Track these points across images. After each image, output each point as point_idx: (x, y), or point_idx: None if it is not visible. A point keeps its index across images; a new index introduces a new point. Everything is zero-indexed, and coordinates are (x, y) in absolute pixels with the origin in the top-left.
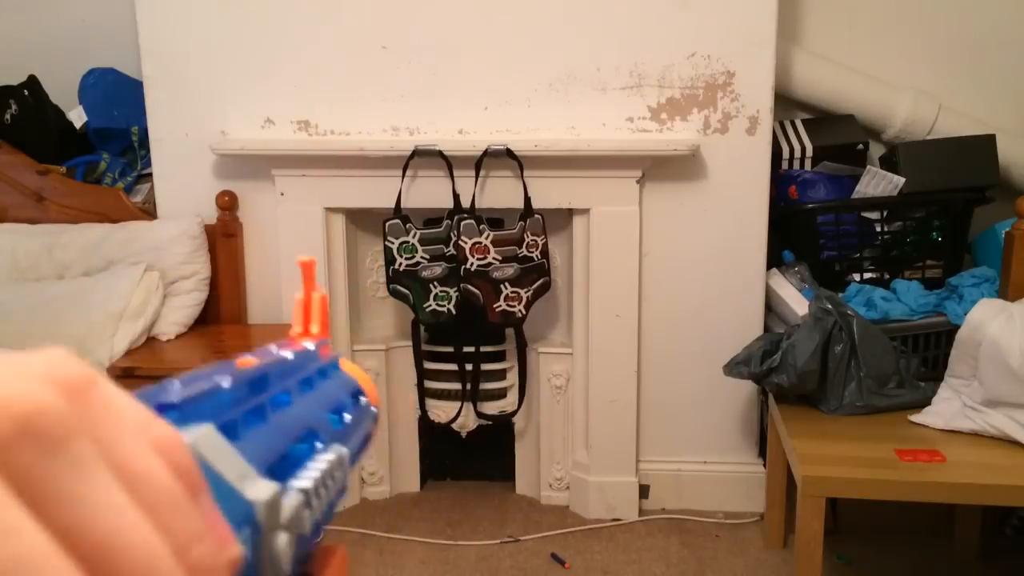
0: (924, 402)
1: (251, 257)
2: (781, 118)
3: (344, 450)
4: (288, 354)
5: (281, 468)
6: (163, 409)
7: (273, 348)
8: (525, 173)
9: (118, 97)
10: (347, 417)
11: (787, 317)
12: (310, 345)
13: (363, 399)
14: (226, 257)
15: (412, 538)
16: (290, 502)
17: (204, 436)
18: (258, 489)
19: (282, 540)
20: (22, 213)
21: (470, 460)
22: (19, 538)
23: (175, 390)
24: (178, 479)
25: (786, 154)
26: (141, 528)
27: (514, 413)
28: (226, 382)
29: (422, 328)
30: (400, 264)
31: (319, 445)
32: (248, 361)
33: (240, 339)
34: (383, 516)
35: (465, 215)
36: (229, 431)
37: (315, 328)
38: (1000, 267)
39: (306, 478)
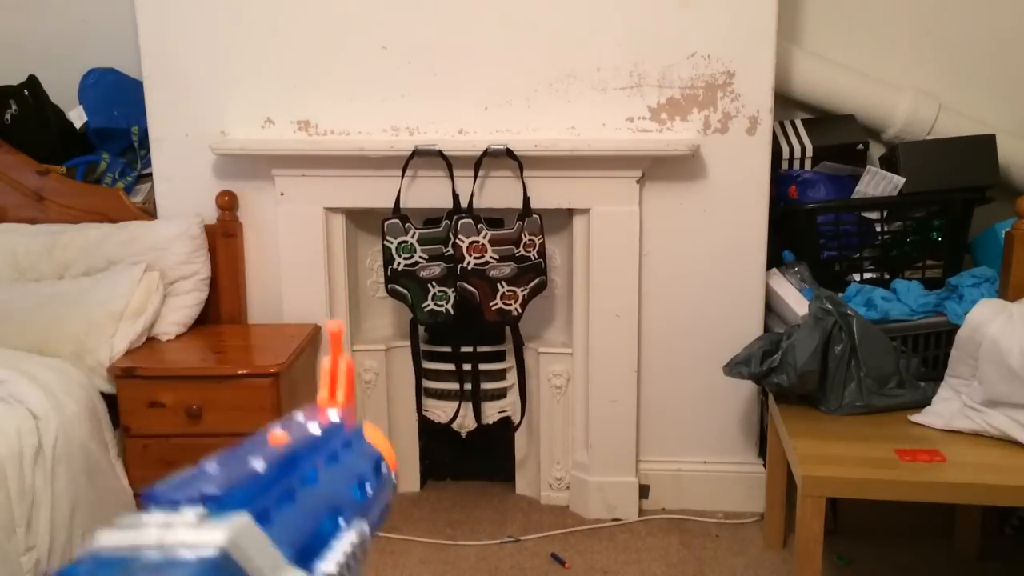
0: (924, 402)
1: (251, 257)
2: (781, 118)
3: (366, 528)
4: (315, 429)
5: (308, 547)
6: (206, 500)
7: (300, 419)
8: (525, 173)
9: (118, 97)
10: (369, 490)
11: (787, 317)
12: (335, 417)
13: (384, 468)
14: (226, 257)
15: (412, 538)
16: None
17: (242, 529)
18: None
19: None
20: (22, 213)
21: (470, 460)
22: None
23: (214, 478)
24: None
25: (786, 154)
26: None
27: (518, 426)
28: (259, 465)
29: (421, 328)
30: (399, 264)
31: (342, 523)
32: (279, 437)
33: (240, 339)
34: None
35: (463, 214)
36: (262, 517)
37: (340, 395)
38: (1000, 267)
39: (332, 560)
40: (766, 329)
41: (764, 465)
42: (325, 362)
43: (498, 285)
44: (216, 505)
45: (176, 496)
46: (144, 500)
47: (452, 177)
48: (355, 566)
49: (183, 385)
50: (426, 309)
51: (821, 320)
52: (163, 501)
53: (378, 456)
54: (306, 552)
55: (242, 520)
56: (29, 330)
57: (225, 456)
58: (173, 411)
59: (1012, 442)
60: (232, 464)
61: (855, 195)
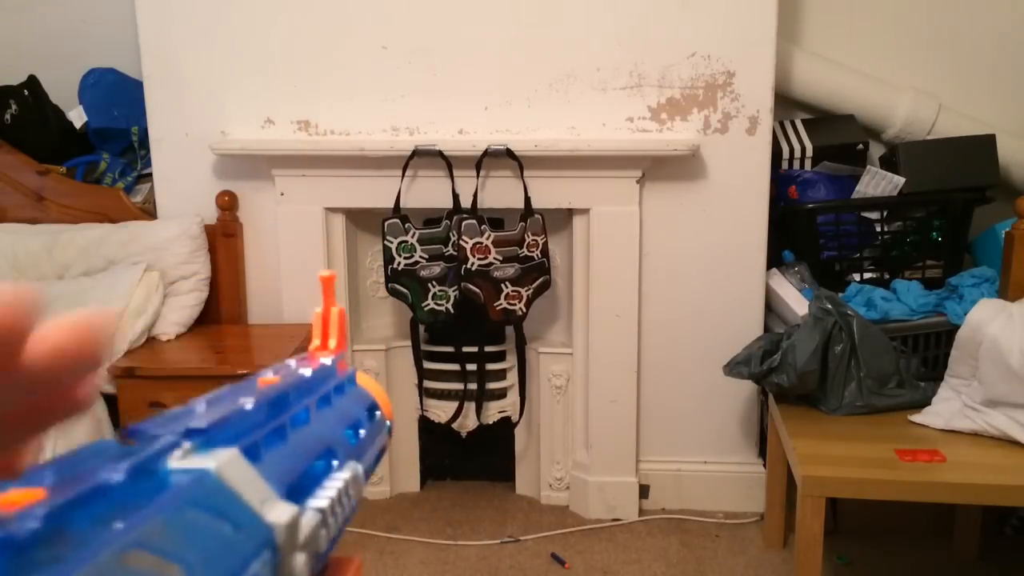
0: (924, 402)
1: (251, 257)
2: (781, 118)
3: (359, 467)
4: (306, 371)
5: (300, 487)
6: (191, 435)
7: (292, 364)
8: (525, 173)
9: (118, 97)
10: (362, 433)
11: (787, 317)
12: (327, 360)
13: (378, 413)
14: (226, 257)
15: (412, 538)
16: (308, 522)
17: (229, 462)
18: (278, 512)
19: (299, 560)
20: (22, 213)
21: (470, 460)
22: None
23: (201, 413)
24: None
25: (786, 154)
26: None
27: (517, 422)
28: (249, 403)
29: (422, 328)
30: (399, 263)
31: (335, 463)
32: (269, 380)
33: (240, 339)
34: (383, 516)
35: (466, 215)
36: (251, 453)
37: (332, 343)
38: (1000, 267)
39: (323, 497)
40: (766, 329)
41: (764, 465)
42: (317, 310)
43: (502, 286)
44: (203, 440)
45: (160, 430)
46: (126, 436)
47: (452, 177)
48: (347, 504)
49: (183, 385)
50: (426, 308)
51: (821, 320)
52: (146, 436)
53: (371, 400)
54: (296, 491)
55: (230, 453)
56: None
57: (213, 396)
58: None
59: (1012, 442)
60: (220, 403)
61: (855, 195)
